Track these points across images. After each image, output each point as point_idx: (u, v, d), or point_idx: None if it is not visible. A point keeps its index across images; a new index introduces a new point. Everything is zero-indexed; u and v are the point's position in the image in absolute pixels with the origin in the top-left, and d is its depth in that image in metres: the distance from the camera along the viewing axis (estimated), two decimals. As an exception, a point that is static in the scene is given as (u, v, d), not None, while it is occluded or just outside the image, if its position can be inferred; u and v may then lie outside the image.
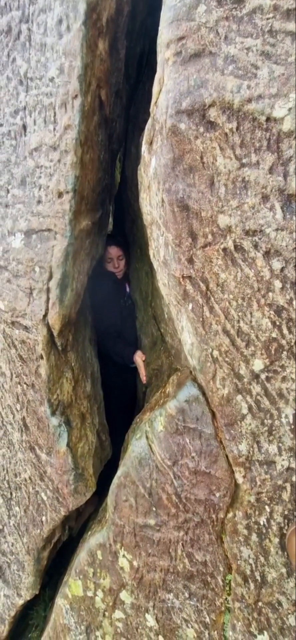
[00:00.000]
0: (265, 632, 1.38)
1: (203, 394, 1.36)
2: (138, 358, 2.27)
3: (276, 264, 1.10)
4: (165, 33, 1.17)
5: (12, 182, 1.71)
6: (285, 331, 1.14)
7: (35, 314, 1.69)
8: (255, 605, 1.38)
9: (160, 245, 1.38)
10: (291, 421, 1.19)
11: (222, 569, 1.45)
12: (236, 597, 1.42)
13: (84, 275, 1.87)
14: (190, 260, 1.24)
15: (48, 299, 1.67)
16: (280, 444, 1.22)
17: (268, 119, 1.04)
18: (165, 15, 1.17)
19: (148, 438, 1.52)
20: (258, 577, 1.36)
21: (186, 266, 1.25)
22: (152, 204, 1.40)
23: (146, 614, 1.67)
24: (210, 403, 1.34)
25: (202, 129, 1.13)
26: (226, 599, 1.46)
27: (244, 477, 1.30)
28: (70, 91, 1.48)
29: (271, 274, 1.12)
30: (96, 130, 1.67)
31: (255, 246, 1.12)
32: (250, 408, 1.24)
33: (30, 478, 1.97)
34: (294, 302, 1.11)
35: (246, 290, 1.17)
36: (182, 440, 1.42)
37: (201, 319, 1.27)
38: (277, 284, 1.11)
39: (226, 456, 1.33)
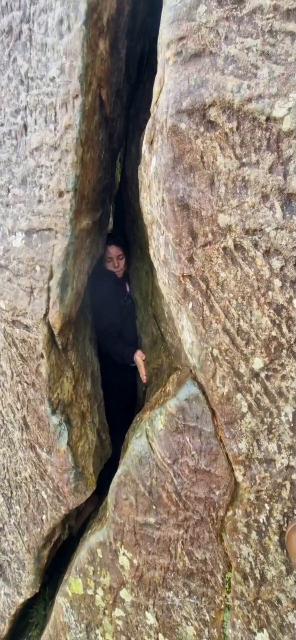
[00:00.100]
0: (265, 630, 1.39)
1: (203, 392, 1.36)
2: (139, 357, 2.28)
3: (276, 263, 1.11)
4: (165, 33, 1.18)
5: (13, 182, 1.71)
6: (285, 330, 1.14)
7: (36, 313, 1.69)
8: (255, 603, 1.39)
9: (161, 244, 1.38)
10: (290, 419, 1.19)
11: (221, 566, 1.45)
12: (236, 594, 1.42)
13: (84, 274, 1.87)
14: (190, 259, 1.24)
15: (48, 298, 1.67)
16: (280, 442, 1.23)
17: (268, 119, 1.05)
18: (166, 16, 1.18)
19: (149, 436, 1.52)
20: (258, 575, 1.36)
21: (186, 265, 1.26)
22: (152, 203, 1.41)
23: (146, 612, 1.68)
24: (210, 401, 1.34)
25: (202, 129, 1.13)
26: (226, 596, 1.47)
27: (244, 475, 1.31)
28: (71, 91, 1.49)
29: (271, 273, 1.12)
30: (97, 130, 1.68)
31: (255, 245, 1.13)
32: (249, 406, 1.25)
33: (30, 477, 1.98)
34: (294, 301, 1.11)
35: (246, 289, 1.17)
36: (182, 438, 1.42)
37: (201, 318, 1.27)
38: (277, 282, 1.12)
39: (226, 454, 1.34)
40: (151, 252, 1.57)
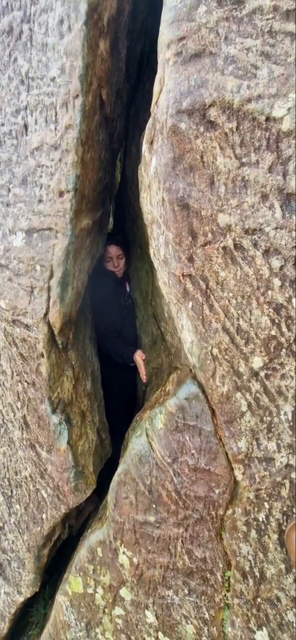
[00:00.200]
0: (264, 628, 1.39)
1: (203, 391, 1.37)
2: (138, 357, 2.28)
3: (276, 263, 1.11)
4: (165, 33, 1.18)
5: (14, 181, 1.72)
6: (284, 329, 1.15)
7: (36, 312, 1.70)
8: (254, 602, 1.39)
9: (161, 244, 1.39)
10: (290, 418, 1.20)
11: (221, 565, 1.46)
12: (235, 593, 1.43)
13: (85, 274, 1.88)
14: (190, 259, 1.25)
15: (49, 297, 1.68)
16: (279, 441, 1.23)
17: (267, 119, 1.05)
18: (166, 16, 1.18)
19: (148, 435, 1.53)
20: (257, 574, 1.37)
21: (186, 265, 1.26)
22: (152, 203, 1.41)
23: (146, 611, 1.68)
24: (209, 400, 1.35)
25: (202, 129, 1.14)
26: (225, 595, 1.47)
27: (243, 474, 1.31)
28: (71, 91, 1.49)
29: (270, 272, 1.13)
30: (97, 130, 1.68)
31: (255, 245, 1.13)
32: (249, 405, 1.25)
33: (30, 476, 1.98)
34: (293, 300, 1.12)
35: (245, 289, 1.18)
36: (181, 437, 1.43)
37: (201, 317, 1.28)
38: (276, 282, 1.12)
39: (226, 453, 1.34)
40: (151, 251, 1.58)
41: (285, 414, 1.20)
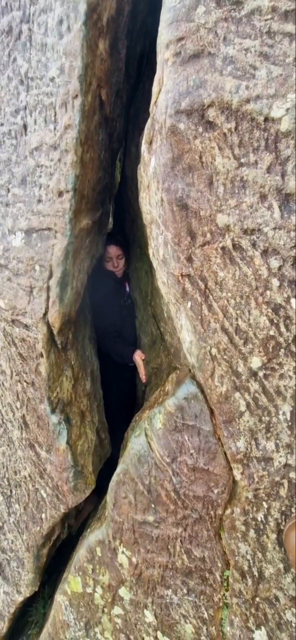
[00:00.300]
0: (263, 627, 1.39)
1: (202, 391, 1.37)
2: (138, 357, 2.29)
3: (274, 263, 1.11)
4: (164, 34, 1.19)
5: (13, 181, 1.72)
6: (283, 329, 1.15)
7: (36, 312, 1.70)
8: (253, 601, 1.40)
9: (160, 244, 1.39)
10: (288, 418, 1.20)
11: (220, 565, 1.46)
12: (234, 592, 1.43)
13: (84, 274, 1.88)
14: (189, 259, 1.25)
15: (48, 297, 1.68)
16: (278, 441, 1.23)
17: (266, 119, 1.05)
18: (165, 16, 1.18)
19: (148, 435, 1.53)
20: (256, 573, 1.37)
21: (185, 265, 1.26)
22: (151, 203, 1.41)
23: (145, 610, 1.68)
24: (208, 400, 1.35)
25: (200, 129, 1.14)
26: (224, 594, 1.48)
27: (242, 473, 1.32)
28: (70, 91, 1.49)
29: (269, 272, 1.13)
30: (96, 130, 1.68)
31: (253, 245, 1.13)
32: (248, 405, 1.25)
33: (30, 475, 1.98)
34: (291, 300, 1.12)
35: (244, 289, 1.18)
36: (180, 437, 1.43)
37: (200, 317, 1.28)
38: (275, 282, 1.13)
39: (225, 453, 1.34)
40: (150, 251, 1.58)
41: (284, 413, 1.21)
